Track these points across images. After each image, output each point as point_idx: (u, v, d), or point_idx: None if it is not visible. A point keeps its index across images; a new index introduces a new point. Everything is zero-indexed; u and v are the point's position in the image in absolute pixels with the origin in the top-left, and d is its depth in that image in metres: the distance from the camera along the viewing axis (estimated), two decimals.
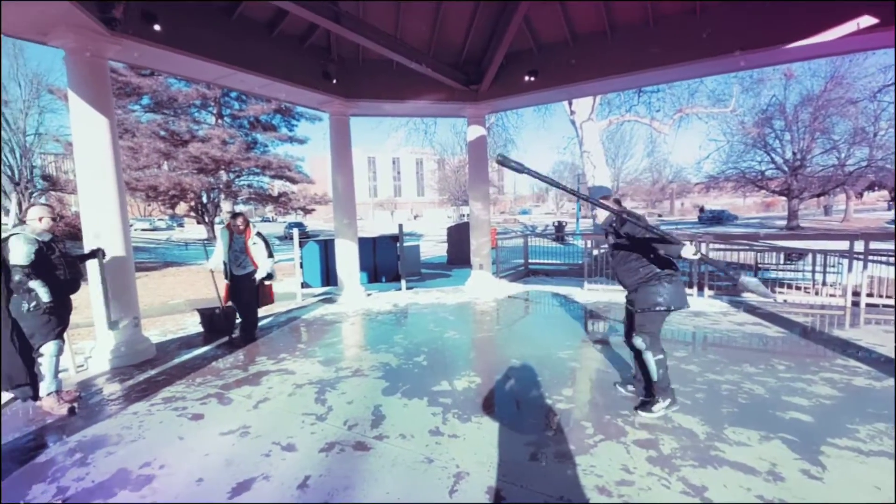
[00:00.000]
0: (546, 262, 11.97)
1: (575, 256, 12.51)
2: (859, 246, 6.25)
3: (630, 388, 3.51)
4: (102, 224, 4.51)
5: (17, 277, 3.19)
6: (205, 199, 25.60)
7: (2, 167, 20.40)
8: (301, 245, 8.03)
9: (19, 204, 21.82)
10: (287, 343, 5.24)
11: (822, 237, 13.53)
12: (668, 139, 22.75)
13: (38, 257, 3.29)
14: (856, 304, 6.14)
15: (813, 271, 7.22)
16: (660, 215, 52.97)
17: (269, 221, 56.06)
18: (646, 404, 3.19)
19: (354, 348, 5.07)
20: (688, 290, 4.27)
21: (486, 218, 8.55)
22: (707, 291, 7.04)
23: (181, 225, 44.25)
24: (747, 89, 22.66)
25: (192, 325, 6.27)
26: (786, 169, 26.54)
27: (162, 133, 22.27)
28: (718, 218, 38.08)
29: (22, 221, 3.46)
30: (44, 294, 3.27)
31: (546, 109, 19.85)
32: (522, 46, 7.19)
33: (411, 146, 23.09)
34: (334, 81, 6.85)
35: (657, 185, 49.44)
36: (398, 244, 8.83)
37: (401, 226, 9.16)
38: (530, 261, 11.34)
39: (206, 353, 4.93)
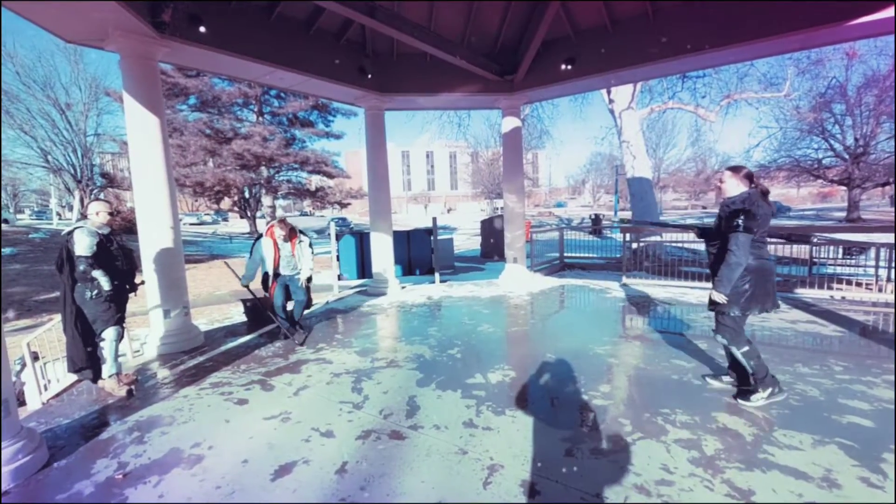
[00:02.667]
0: (582, 255, 11.71)
1: (612, 250, 12.18)
2: None
3: (726, 378, 3.46)
4: (155, 218, 4.78)
5: (81, 267, 3.45)
6: (247, 195, 26.64)
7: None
8: (337, 238, 8.21)
9: (81, 200, 23.46)
10: (325, 333, 5.39)
11: (886, 230, 12.51)
12: (714, 127, 21.52)
13: (99, 249, 3.54)
14: None
15: (876, 266, 6.70)
16: (704, 207, 50.64)
17: (307, 215, 57.69)
18: (744, 393, 3.19)
19: (389, 340, 5.16)
20: None
21: (521, 211, 8.44)
22: None
23: (225, 219, 46.18)
24: (803, 71, 21.05)
25: (237, 314, 6.57)
26: (846, 156, 24.62)
27: (207, 131, 23.30)
28: None
29: (84, 216, 3.72)
30: (105, 283, 3.52)
31: (583, 99, 19.37)
32: (559, 34, 7.00)
33: (445, 139, 23.05)
34: (369, 76, 6.92)
35: (701, 176, 47.15)
36: (432, 237, 8.87)
37: (434, 219, 9.20)
38: (566, 254, 11.13)
39: (250, 341, 5.15)
